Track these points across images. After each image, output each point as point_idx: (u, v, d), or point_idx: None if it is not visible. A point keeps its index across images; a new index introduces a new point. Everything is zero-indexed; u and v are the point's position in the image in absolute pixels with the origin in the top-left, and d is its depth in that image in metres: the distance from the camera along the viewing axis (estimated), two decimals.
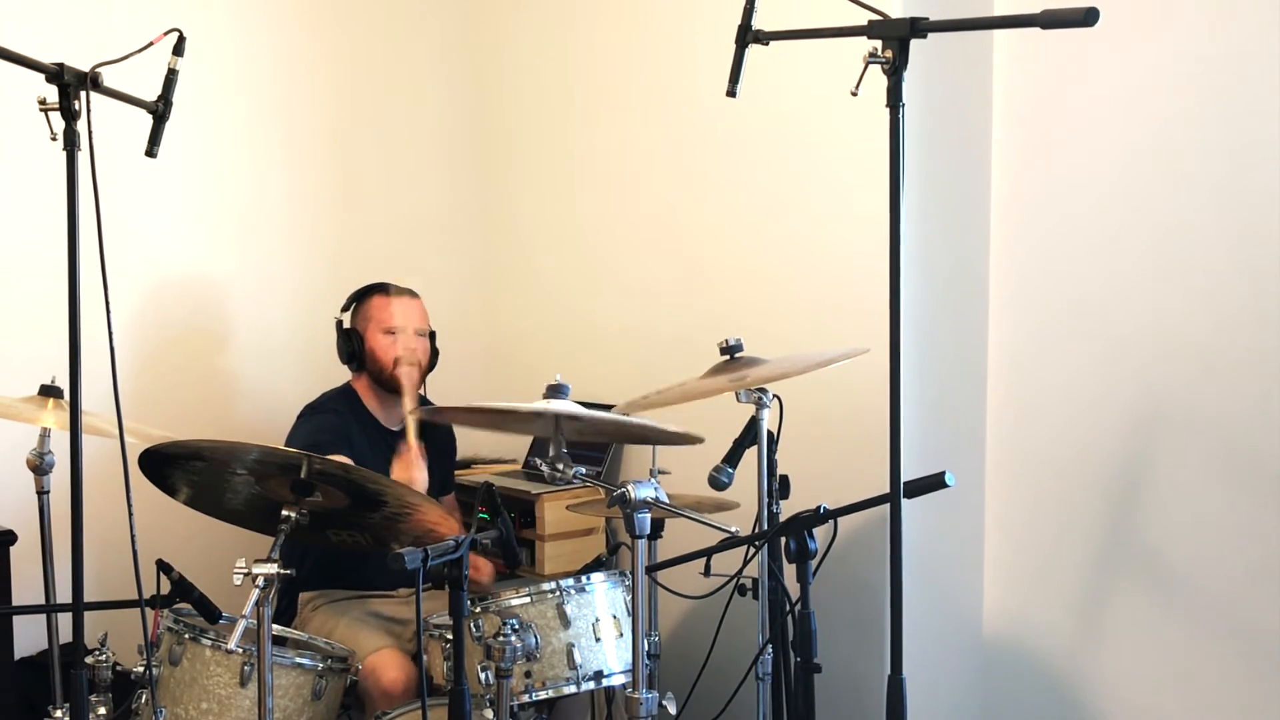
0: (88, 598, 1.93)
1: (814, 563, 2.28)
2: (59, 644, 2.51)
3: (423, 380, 3.21)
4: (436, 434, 3.21)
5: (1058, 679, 2.94)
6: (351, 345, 3.16)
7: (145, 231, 3.40)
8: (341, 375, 3.26)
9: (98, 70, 1.87)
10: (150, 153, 2.03)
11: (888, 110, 1.73)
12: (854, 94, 1.78)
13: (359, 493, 2.21)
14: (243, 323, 3.63)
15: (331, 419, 3.07)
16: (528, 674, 2.37)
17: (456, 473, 3.48)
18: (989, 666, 3.07)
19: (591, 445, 3.51)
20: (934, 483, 2.15)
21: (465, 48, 4.04)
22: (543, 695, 2.39)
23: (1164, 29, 2.68)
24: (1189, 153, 2.65)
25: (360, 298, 3.22)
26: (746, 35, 1.97)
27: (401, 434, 3.16)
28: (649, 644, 2.69)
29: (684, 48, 3.36)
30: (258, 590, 2.05)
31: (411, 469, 2.84)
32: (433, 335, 3.24)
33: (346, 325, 3.21)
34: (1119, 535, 2.81)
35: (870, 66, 1.74)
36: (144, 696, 2.36)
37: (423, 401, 3.24)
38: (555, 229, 3.85)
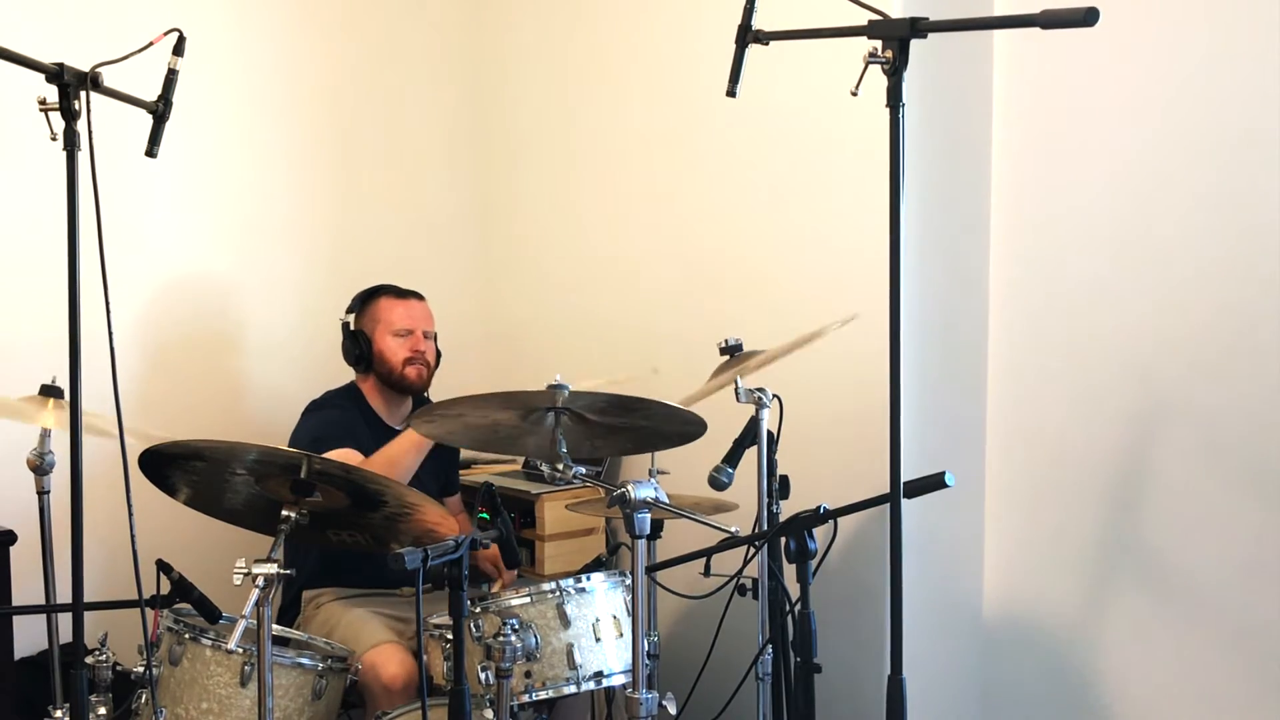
0: (88, 598, 1.93)
1: (814, 563, 2.28)
2: (59, 644, 2.51)
3: (428, 382, 3.21)
4: None
5: (1057, 677, 2.94)
6: (359, 347, 3.15)
7: (145, 231, 3.40)
8: (343, 374, 3.26)
9: (98, 70, 1.87)
10: (150, 153, 2.03)
11: (888, 110, 1.73)
12: (854, 94, 1.78)
13: (359, 493, 2.21)
14: (243, 322, 3.62)
15: (336, 414, 3.08)
16: (528, 674, 2.37)
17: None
18: (989, 666, 3.07)
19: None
20: (934, 483, 2.15)
21: (466, 44, 4.03)
22: (543, 695, 2.39)
23: (1163, 28, 2.69)
24: (1188, 151, 2.65)
25: (366, 299, 3.21)
26: (746, 35, 1.97)
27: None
28: (649, 644, 2.69)
29: (684, 47, 3.36)
30: (258, 590, 2.04)
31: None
32: (435, 336, 3.24)
33: (353, 327, 3.19)
34: (1118, 532, 2.82)
35: (870, 66, 1.74)
36: (144, 696, 2.36)
37: (425, 404, 3.23)
38: (555, 228, 3.85)
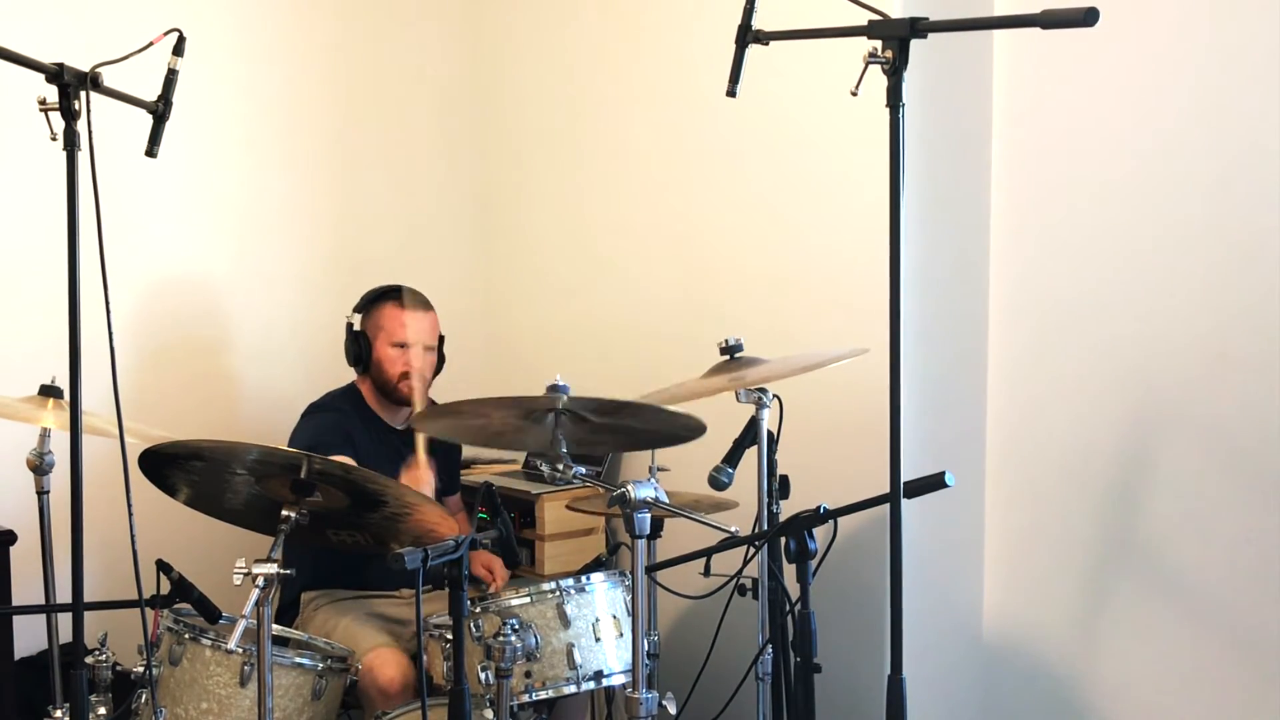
0: (88, 598, 1.93)
1: (814, 563, 2.28)
2: (59, 644, 2.51)
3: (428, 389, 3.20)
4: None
5: (1057, 678, 2.94)
6: (359, 349, 3.12)
7: (145, 231, 3.40)
8: (343, 374, 3.25)
9: (98, 70, 1.87)
10: (150, 153, 2.03)
11: (888, 110, 1.73)
12: (854, 94, 1.78)
13: (359, 493, 2.21)
14: (243, 322, 3.63)
15: (334, 418, 3.06)
16: (528, 674, 2.37)
17: None
18: (989, 666, 3.07)
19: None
20: (934, 483, 2.15)
21: (466, 46, 4.04)
22: (543, 695, 2.39)
23: (1164, 29, 2.69)
24: (1188, 152, 2.65)
25: (373, 301, 3.15)
26: (746, 35, 1.97)
27: (406, 434, 3.15)
28: (649, 644, 2.69)
29: (685, 46, 3.36)
30: (258, 590, 2.04)
31: (420, 484, 2.81)
32: (441, 339, 3.21)
33: (357, 327, 3.16)
34: (1119, 535, 2.82)
35: (870, 66, 1.74)
36: (144, 696, 2.36)
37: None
38: (555, 228, 3.85)
